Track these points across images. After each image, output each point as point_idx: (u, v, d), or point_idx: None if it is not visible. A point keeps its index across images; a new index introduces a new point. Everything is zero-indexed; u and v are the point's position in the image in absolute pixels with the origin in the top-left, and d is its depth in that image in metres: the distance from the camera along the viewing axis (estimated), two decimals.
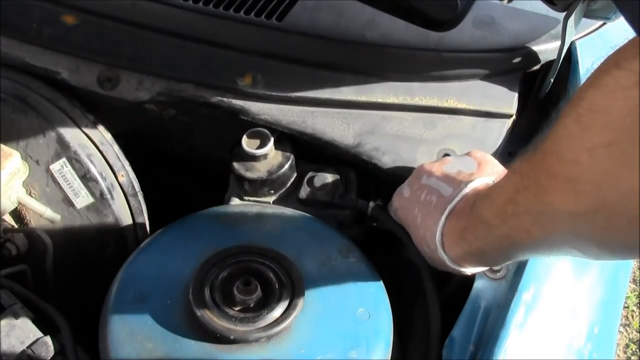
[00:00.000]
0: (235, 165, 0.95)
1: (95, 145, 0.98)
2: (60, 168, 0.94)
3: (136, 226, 0.99)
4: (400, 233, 0.89)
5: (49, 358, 0.76)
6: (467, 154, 0.86)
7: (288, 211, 0.92)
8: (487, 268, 0.81)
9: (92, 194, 0.95)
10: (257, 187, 0.95)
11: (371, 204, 0.92)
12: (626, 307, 2.14)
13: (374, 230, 0.99)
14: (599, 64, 0.52)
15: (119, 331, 0.76)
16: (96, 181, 0.95)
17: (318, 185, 0.94)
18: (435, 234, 0.77)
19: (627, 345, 2.10)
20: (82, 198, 0.95)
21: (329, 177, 0.95)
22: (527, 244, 0.66)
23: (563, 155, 0.55)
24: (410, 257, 0.90)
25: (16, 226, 0.93)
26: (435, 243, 0.77)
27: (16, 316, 0.77)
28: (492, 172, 0.80)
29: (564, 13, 0.88)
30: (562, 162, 0.55)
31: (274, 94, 0.95)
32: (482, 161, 0.82)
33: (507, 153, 0.96)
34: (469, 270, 0.79)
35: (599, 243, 0.57)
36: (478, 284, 0.81)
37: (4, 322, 0.76)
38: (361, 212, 0.94)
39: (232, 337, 0.74)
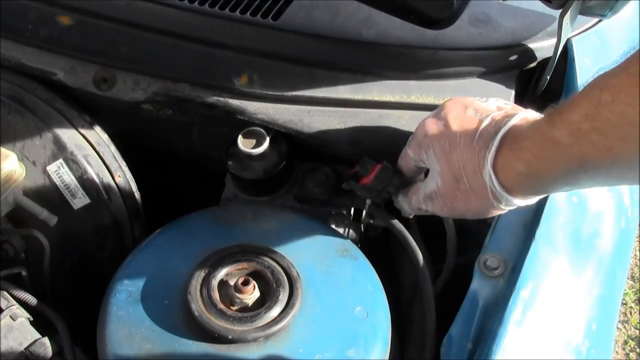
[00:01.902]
0: (232, 164, 0.95)
1: (92, 145, 0.98)
2: (57, 169, 0.94)
3: (133, 226, 0.99)
4: (397, 229, 0.89)
5: (47, 359, 0.76)
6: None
7: (285, 210, 0.92)
8: (535, 200, 0.78)
9: (89, 194, 0.95)
10: (253, 186, 0.95)
11: (368, 201, 0.92)
12: (624, 304, 2.15)
13: (372, 227, 0.99)
14: None
15: (117, 332, 0.76)
16: (93, 182, 0.95)
17: (315, 183, 0.94)
18: (482, 164, 0.73)
19: (625, 342, 2.10)
20: (79, 199, 0.95)
21: (325, 176, 0.95)
22: (601, 165, 0.64)
23: None
24: (408, 254, 0.90)
25: (13, 228, 0.93)
26: (481, 173, 0.73)
27: (14, 318, 0.78)
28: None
29: (560, 10, 0.88)
30: None
31: (270, 93, 0.95)
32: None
33: None
34: (518, 200, 0.75)
35: None
36: (475, 282, 0.81)
37: (2, 323, 0.76)
38: (358, 210, 0.94)
39: (230, 337, 0.74)
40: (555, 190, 0.76)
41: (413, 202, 0.84)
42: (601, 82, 0.61)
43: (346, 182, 0.90)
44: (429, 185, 0.80)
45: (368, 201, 0.92)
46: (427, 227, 0.97)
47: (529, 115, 0.74)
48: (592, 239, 0.89)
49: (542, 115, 0.71)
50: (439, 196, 0.79)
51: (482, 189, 0.74)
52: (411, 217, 0.90)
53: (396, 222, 0.90)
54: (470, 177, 0.75)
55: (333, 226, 0.93)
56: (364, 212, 0.94)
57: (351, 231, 0.95)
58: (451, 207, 0.79)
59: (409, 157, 0.83)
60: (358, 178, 0.89)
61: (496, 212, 0.77)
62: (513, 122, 0.73)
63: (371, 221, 0.96)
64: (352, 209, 0.96)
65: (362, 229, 0.98)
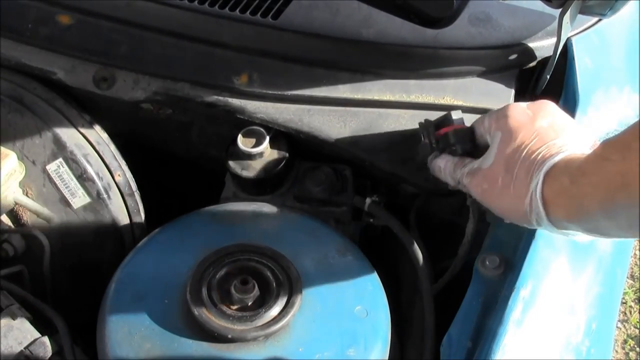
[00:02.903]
0: (231, 164, 0.95)
1: (92, 145, 0.98)
2: (57, 168, 0.94)
3: (133, 226, 0.99)
4: (397, 228, 0.89)
5: (47, 358, 0.76)
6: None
7: (285, 209, 0.92)
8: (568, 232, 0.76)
9: (89, 194, 0.95)
10: (253, 185, 0.95)
11: (368, 200, 0.92)
12: (624, 303, 2.15)
13: (371, 227, 0.99)
14: None
15: (116, 331, 0.76)
16: (93, 181, 0.95)
17: (314, 182, 0.94)
18: (537, 169, 0.74)
19: (625, 341, 2.10)
20: (79, 198, 0.95)
21: (325, 175, 0.95)
22: None
23: None
24: (408, 254, 0.90)
25: (13, 227, 0.93)
26: (532, 175, 0.74)
27: (14, 317, 0.78)
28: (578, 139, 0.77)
29: (560, 10, 0.88)
30: None
31: (270, 92, 0.95)
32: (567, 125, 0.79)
33: None
34: (549, 220, 0.74)
35: None
36: (475, 281, 0.81)
37: (2, 322, 0.76)
38: (358, 209, 0.94)
39: (230, 336, 0.74)
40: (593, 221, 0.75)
41: (456, 171, 0.83)
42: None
43: (424, 128, 0.89)
44: (480, 161, 0.80)
45: (368, 200, 0.92)
46: (427, 227, 0.97)
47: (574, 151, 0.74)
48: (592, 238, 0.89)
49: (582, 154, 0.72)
50: (483, 175, 0.79)
51: (524, 188, 0.74)
52: (450, 185, 0.87)
53: (396, 222, 0.90)
54: (520, 173, 0.75)
55: (333, 226, 0.93)
56: (364, 211, 0.94)
57: (351, 230, 0.94)
58: (486, 191, 0.79)
59: (483, 125, 0.83)
60: (440, 127, 0.88)
61: (523, 222, 0.77)
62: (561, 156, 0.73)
63: (371, 220, 0.96)
64: (352, 209, 0.96)
65: (362, 228, 0.98)
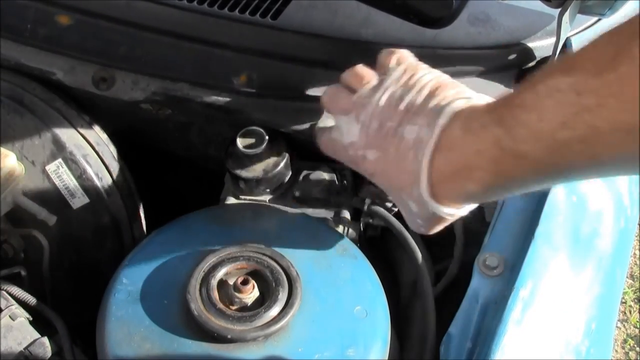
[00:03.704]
0: (231, 164, 0.95)
1: (91, 145, 0.98)
2: (56, 169, 0.94)
3: (132, 226, 0.99)
4: (398, 229, 0.89)
5: (47, 359, 0.76)
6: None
7: (284, 210, 0.92)
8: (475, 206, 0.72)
9: (88, 194, 0.95)
10: (252, 186, 0.95)
11: (367, 200, 0.92)
12: (623, 303, 2.15)
13: (371, 226, 0.99)
14: None
15: (116, 332, 0.76)
16: (92, 181, 0.95)
17: (314, 183, 0.94)
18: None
19: (624, 341, 2.10)
20: (78, 199, 0.94)
21: (324, 175, 0.95)
22: (580, 171, 0.59)
23: None
24: (408, 254, 0.90)
25: (12, 227, 0.93)
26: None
27: (13, 318, 0.78)
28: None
29: (559, 9, 0.88)
30: None
31: (269, 92, 0.95)
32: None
33: None
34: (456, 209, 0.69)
35: None
36: (475, 281, 0.81)
37: (1, 323, 0.76)
38: (358, 209, 0.94)
39: (229, 337, 0.74)
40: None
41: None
42: (576, 84, 0.54)
43: (366, 188, 0.90)
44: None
45: (367, 201, 0.92)
46: None
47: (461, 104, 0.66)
48: (592, 238, 0.89)
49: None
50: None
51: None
52: None
53: (396, 222, 0.90)
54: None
55: (333, 226, 0.93)
56: (364, 211, 0.94)
57: (351, 230, 0.95)
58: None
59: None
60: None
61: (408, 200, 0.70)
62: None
63: (370, 220, 0.96)
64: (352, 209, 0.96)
65: (362, 229, 0.98)
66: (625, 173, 0.59)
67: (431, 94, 0.69)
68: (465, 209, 0.70)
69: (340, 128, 0.76)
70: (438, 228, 0.73)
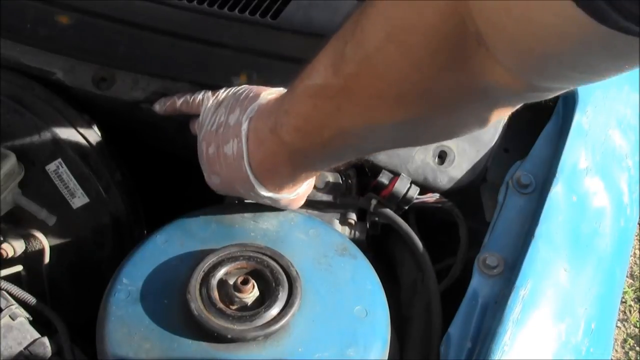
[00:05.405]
0: None
1: (91, 145, 0.98)
2: (56, 168, 0.94)
3: (132, 226, 0.99)
4: (404, 230, 0.89)
5: (47, 359, 0.76)
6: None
7: (284, 210, 0.91)
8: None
9: (88, 194, 0.95)
10: None
11: (373, 201, 0.92)
12: (623, 302, 2.15)
13: (373, 224, 0.99)
14: None
15: (116, 331, 0.76)
16: (92, 181, 0.95)
17: (319, 185, 0.94)
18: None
19: (624, 341, 2.10)
20: (78, 198, 0.94)
21: (329, 177, 0.95)
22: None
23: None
24: (408, 253, 0.90)
25: (12, 227, 0.93)
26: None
27: (13, 317, 0.78)
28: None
29: None
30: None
31: None
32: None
33: (502, 149, 0.96)
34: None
35: None
36: (475, 281, 0.81)
37: (1, 323, 0.76)
38: (363, 210, 0.94)
39: (229, 336, 0.74)
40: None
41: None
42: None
43: (367, 196, 0.93)
44: None
45: (373, 201, 0.92)
46: (427, 227, 0.97)
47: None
48: (592, 237, 0.89)
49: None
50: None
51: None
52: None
53: (402, 222, 0.90)
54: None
55: (339, 227, 0.93)
56: (369, 212, 0.94)
57: (357, 232, 0.94)
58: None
59: None
60: (379, 190, 0.92)
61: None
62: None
63: (376, 219, 0.96)
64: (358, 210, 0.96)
65: (369, 229, 0.98)
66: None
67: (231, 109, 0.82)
68: (304, 186, 0.84)
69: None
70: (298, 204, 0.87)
